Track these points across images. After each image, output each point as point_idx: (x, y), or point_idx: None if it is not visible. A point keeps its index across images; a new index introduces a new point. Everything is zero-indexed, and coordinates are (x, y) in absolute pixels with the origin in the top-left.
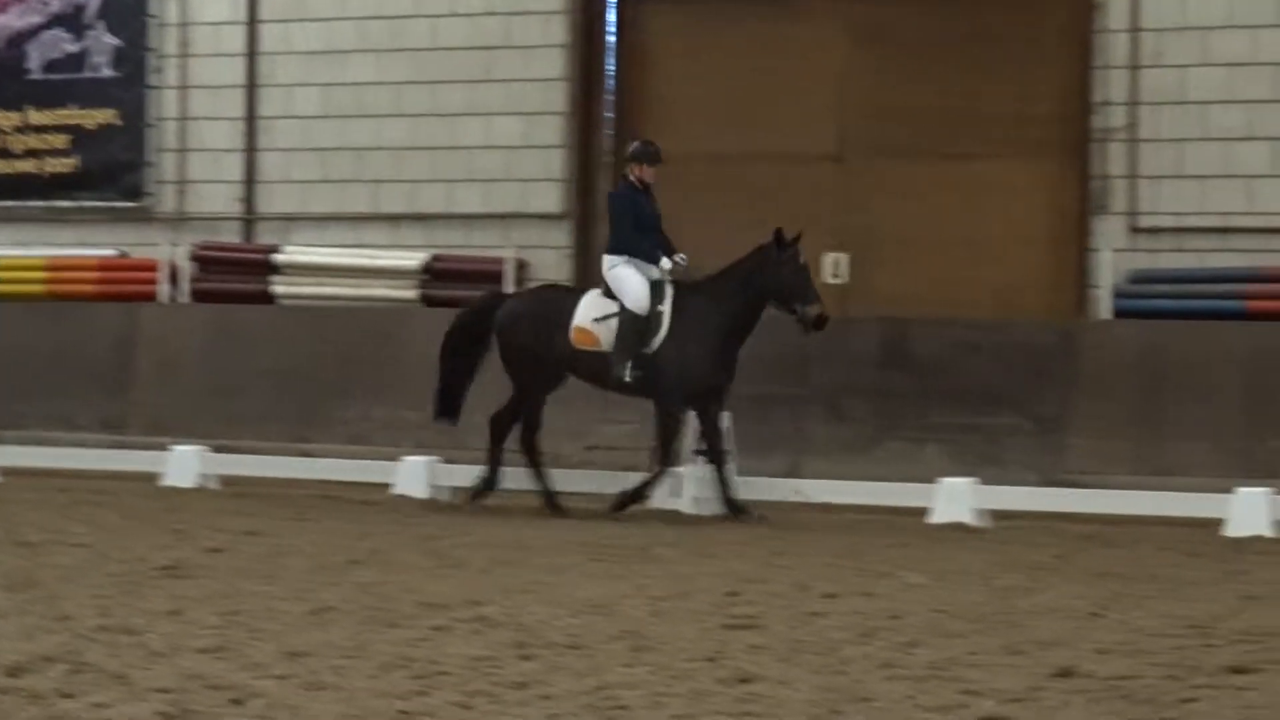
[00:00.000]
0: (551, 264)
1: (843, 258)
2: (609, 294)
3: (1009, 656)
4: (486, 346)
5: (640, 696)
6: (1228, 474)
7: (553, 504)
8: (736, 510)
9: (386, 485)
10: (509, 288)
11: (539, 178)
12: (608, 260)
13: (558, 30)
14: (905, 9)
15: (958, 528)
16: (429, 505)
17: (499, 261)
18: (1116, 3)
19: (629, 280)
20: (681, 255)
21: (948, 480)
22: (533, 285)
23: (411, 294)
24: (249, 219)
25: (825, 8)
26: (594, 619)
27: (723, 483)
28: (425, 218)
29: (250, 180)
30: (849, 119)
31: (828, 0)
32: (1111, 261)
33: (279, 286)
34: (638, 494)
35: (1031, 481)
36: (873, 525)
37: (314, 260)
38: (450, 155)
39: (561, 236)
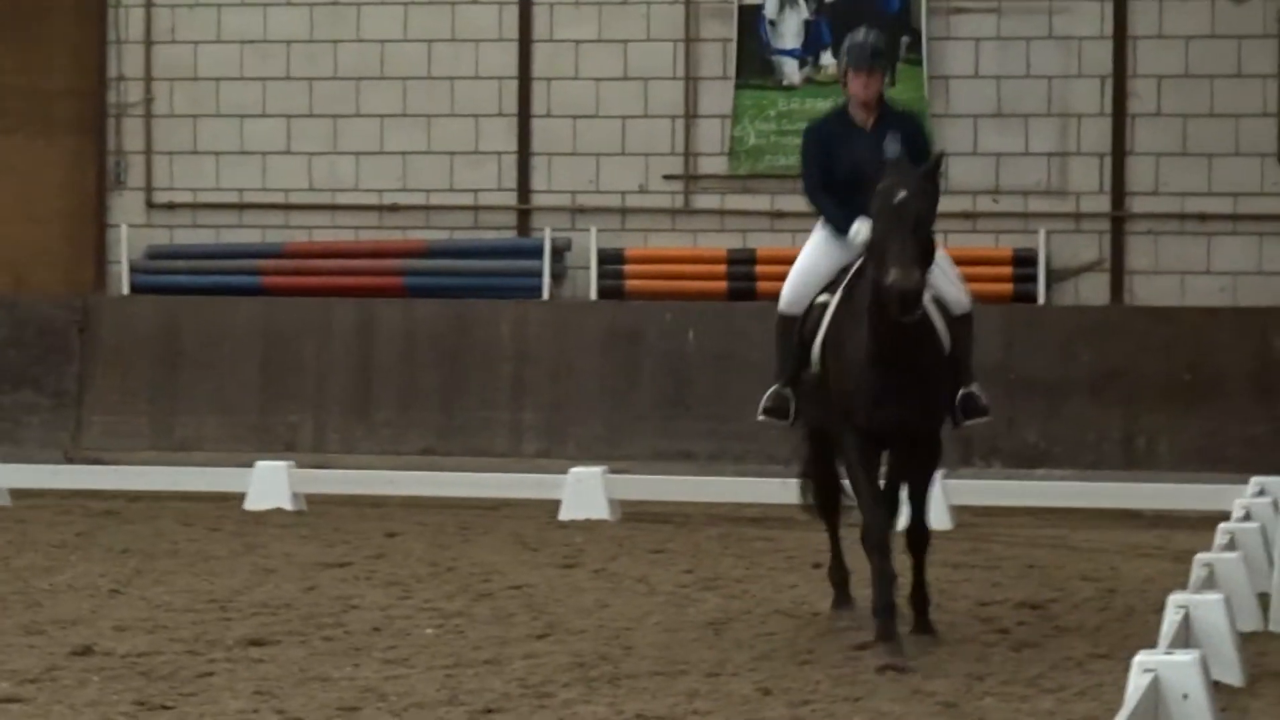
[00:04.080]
0: None
1: None
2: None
3: (27, 637)
4: None
5: None
6: (247, 448)
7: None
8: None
9: None
10: None
11: None
12: None
13: None
14: None
15: None
16: None
17: None
18: None
19: (797, 265)
20: None
21: None
22: None
23: None
24: None
25: None
26: None
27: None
28: None
29: None
30: None
31: None
32: (129, 237)
33: None
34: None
35: (51, 459)
36: None
37: None
38: None
39: None
